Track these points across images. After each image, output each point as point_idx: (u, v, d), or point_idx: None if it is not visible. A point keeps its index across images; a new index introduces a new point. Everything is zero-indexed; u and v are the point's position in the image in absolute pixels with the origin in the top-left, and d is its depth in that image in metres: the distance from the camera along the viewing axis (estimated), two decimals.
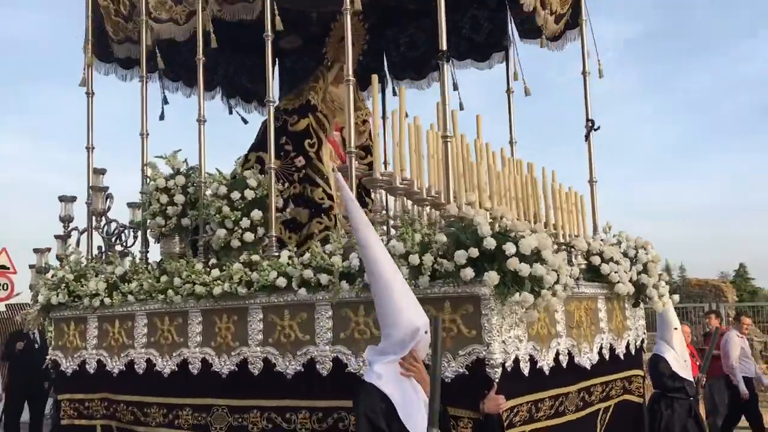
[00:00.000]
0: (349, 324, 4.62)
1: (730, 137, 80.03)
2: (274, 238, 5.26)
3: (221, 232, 5.25)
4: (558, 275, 4.14)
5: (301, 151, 6.30)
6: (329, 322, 4.70)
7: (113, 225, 6.49)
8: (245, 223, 5.23)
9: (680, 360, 6.60)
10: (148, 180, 5.99)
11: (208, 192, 5.61)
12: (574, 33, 6.82)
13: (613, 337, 5.58)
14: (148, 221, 5.80)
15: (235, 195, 5.28)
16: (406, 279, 4.15)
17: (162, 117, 7.47)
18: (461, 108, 6.98)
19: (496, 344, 4.05)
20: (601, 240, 5.95)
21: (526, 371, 4.32)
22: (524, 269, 3.95)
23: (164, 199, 5.66)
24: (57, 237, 6.95)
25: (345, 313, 4.64)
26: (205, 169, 5.73)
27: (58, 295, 6.12)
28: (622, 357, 5.68)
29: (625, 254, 5.79)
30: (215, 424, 5.16)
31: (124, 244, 6.48)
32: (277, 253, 5.16)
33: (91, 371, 5.99)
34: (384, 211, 5.18)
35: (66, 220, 6.64)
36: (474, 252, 3.99)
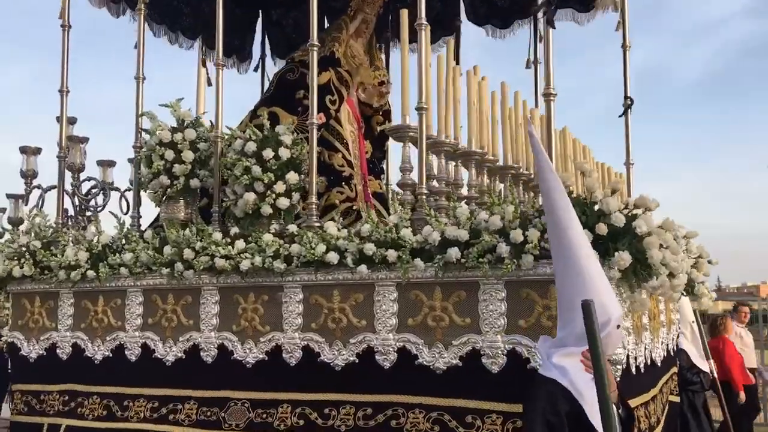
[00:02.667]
0: (420, 308, 3.93)
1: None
2: (314, 206, 4.47)
3: (250, 197, 4.42)
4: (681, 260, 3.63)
5: (322, 107, 5.50)
6: (393, 306, 4.00)
7: (89, 184, 5.48)
8: (279, 187, 4.43)
9: (699, 351, 6.35)
10: (142, 133, 5.06)
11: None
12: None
13: (667, 332, 5.17)
14: (148, 181, 4.87)
15: (268, 153, 4.46)
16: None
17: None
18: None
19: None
20: None
21: (634, 369, 3.80)
22: (657, 252, 3.40)
23: (170, 155, 4.76)
24: (11, 196, 5.86)
25: (415, 296, 3.95)
26: (223, 121, 4.86)
27: (21, 266, 5.09)
28: (672, 353, 5.29)
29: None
30: (231, 419, 4.35)
31: (100, 207, 5.50)
32: (318, 223, 4.40)
33: (64, 357, 5.02)
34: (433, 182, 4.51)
35: (29, 175, 5.57)
36: (602, 229, 3.40)
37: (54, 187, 5.64)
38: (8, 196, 5.88)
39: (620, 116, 5.92)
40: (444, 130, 4.38)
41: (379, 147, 6.27)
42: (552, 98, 3.93)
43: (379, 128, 6.21)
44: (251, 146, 4.50)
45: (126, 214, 5.67)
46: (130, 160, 5.83)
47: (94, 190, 5.41)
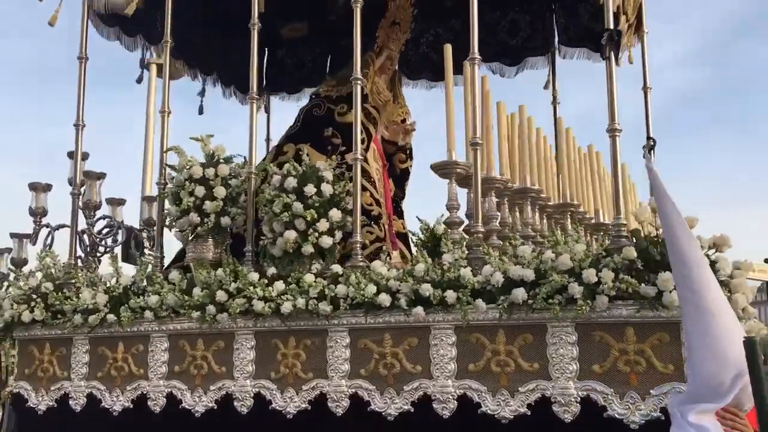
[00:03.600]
0: (482, 353, 3.72)
1: None
2: (359, 245, 4.25)
3: (291, 235, 4.19)
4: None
5: (352, 145, 5.32)
6: (452, 350, 3.77)
7: (101, 223, 5.19)
8: (323, 224, 4.20)
9: None
10: (166, 169, 4.81)
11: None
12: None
13: None
14: (174, 219, 4.61)
15: (310, 189, 4.24)
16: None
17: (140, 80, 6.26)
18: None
19: None
20: None
21: None
22: (742, 297, 3.26)
23: (200, 191, 4.51)
24: (15, 235, 5.52)
25: (476, 339, 3.74)
26: (255, 156, 4.65)
27: (32, 310, 4.74)
28: None
29: None
30: None
31: (110, 247, 5.19)
32: (363, 263, 4.18)
33: (77, 408, 4.64)
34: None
35: (39, 213, 5.25)
36: None
37: (64, 225, 5.31)
38: (12, 235, 5.54)
39: (643, 156, 5.85)
40: (487, 167, 4.24)
41: (400, 186, 6.10)
42: (617, 134, 3.80)
43: (401, 166, 6.06)
44: (291, 182, 4.28)
45: (139, 254, 5.39)
46: (145, 198, 5.56)
47: (106, 230, 5.09)
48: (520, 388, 3.60)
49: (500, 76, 6.81)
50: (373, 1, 5.76)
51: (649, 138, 5.96)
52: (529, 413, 3.56)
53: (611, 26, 3.96)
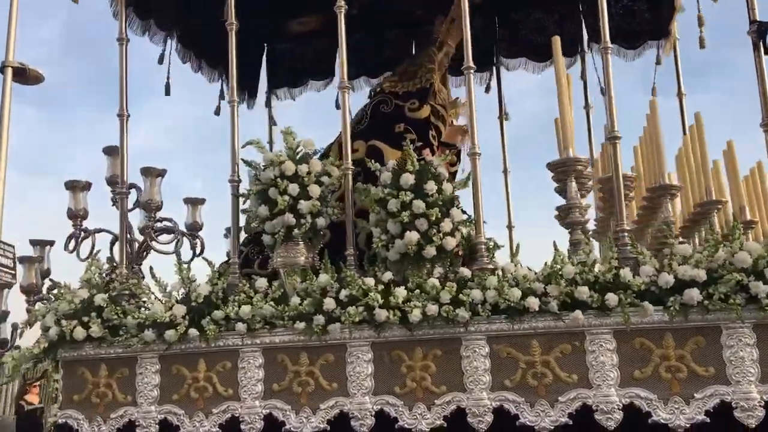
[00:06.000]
0: (648, 358, 3.49)
1: None
2: (484, 247, 3.94)
3: (413, 236, 3.82)
4: None
5: (426, 143, 5.02)
6: (613, 357, 3.52)
7: (157, 226, 4.60)
8: (447, 225, 3.86)
9: None
10: (238, 165, 4.34)
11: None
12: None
13: None
14: (262, 221, 4.13)
15: (431, 186, 3.90)
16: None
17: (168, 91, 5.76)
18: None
19: None
20: None
21: None
22: None
23: (295, 189, 4.06)
24: (35, 243, 4.83)
25: (641, 344, 3.51)
26: (349, 151, 4.25)
27: (88, 326, 4.11)
28: None
29: None
30: None
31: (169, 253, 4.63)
32: (492, 265, 3.87)
33: None
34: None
35: (79, 216, 4.59)
36: None
37: (101, 230, 4.67)
38: (33, 242, 4.81)
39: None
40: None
41: None
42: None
43: (452, 170, 5.79)
44: (409, 179, 3.92)
45: (194, 257, 4.83)
46: (189, 201, 5.00)
47: (165, 235, 4.50)
48: (695, 394, 3.40)
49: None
50: None
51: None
52: (708, 420, 3.36)
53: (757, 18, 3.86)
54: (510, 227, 6.66)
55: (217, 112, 6.35)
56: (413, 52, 6.59)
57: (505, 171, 6.67)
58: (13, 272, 5.55)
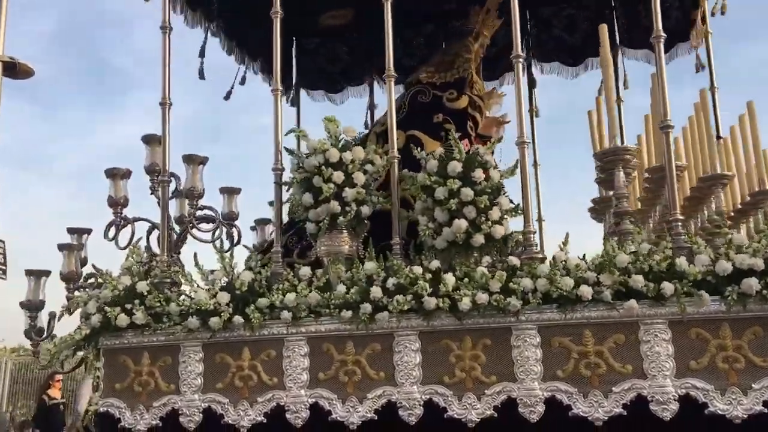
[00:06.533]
0: (704, 349, 3.44)
1: None
2: (533, 235, 3.90)
3: (462, 224, 3.78)
4: None
5: (465, 134, 4.98)
6: (668, 347, 3.48)
7: (198, 215, 4.57)
8: (495, 213, 3.83)
9: None
10: (281, 153, 4.30)
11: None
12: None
13: None
14: (306, 209, 4.10)
15: (478, 174, 3.86)
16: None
17: (202, 75, 5.74)
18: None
19: None
20: None
21: None
22: None
23: (340, 177, 4.03)
24: (73, 231, 4.81)
25: (696, 334, 3.46)
26: (395, 140, 4.21)
27: (132, 313, 4.08)
28: None
29: None
30: None
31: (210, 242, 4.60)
32: (541, 254, 3.83)
33: (191, 426, 4.01)
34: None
35: (120, 203, 4.57)
36: None
37: (140, 219, 4.64)
38: (71, 230, 4.78)
39: None
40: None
41: None
42: None
43: None
44: (456, 166, 3.88)
45: (233, 246, 4.81)
46: (225, 190, 4.97)
47: (205, 224, 4.47)
48: (753, 385, 3.35)
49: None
50: None
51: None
52: (766, 410, 3.31)
53: None
54: (540, 220, 6.62)
55: (228, 96, 6.32)
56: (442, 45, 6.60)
57: (535, 164, 6.64)
58: (4, 267, 5.49)
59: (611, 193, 4.88)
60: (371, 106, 6.90)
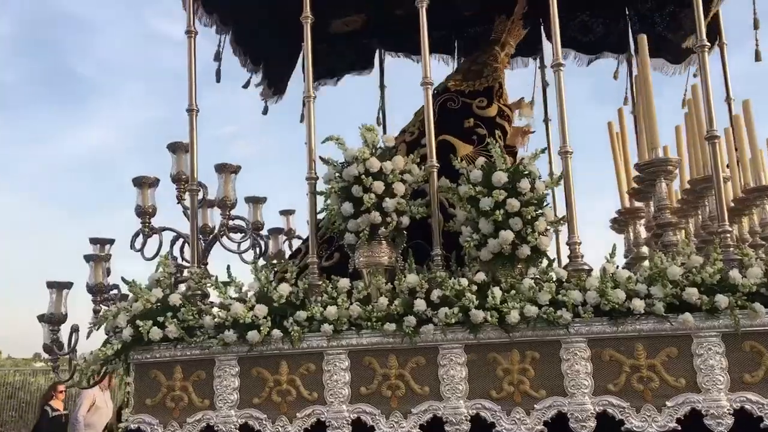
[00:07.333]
0: (759, 363, 3.41)
1: None
2: (578, 246, 3.85)
3: (508, 236, 3.72)
4: None
5: (495, 138, 4.92)
6: (722, 361, 3.44)
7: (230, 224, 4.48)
8: (541, 224, 3.77)
9: None
10: (315, 162, 4.22)
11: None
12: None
13: None
14: (345, 219, 4.02)
15: (525, 185, 3.80)
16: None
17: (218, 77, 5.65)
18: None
19: None
20: None
21: None
22: None
23: (380, 187, 3.96)
24: (95, 241, 4.69)
25: (750, 347, 3.43)
26: (434, 148, 4.15)
27: (164, 326, 3.98)
28: None
29: None
30: None
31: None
32: (586, 266, 3.78)
33: None
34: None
35: (148, 213, 4.46)
36: None
37: (167, 228, 4.53)
38: (93, 240, 4.65)
39: None
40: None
41: None
42: None
43: None
44: (502, 177, 3.82)
45: (259, 256, 4.71)
46: (250, 199, 4.88)
47: (237, 235, 4.37)
48: None
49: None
50: None
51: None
52: None
53: None
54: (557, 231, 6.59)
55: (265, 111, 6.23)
56: (456, 55, 6.58)
57: (552, 174, 6.61)
58: None
59: (638, 204, 4.88)
60: (381, 86, 6.84)
